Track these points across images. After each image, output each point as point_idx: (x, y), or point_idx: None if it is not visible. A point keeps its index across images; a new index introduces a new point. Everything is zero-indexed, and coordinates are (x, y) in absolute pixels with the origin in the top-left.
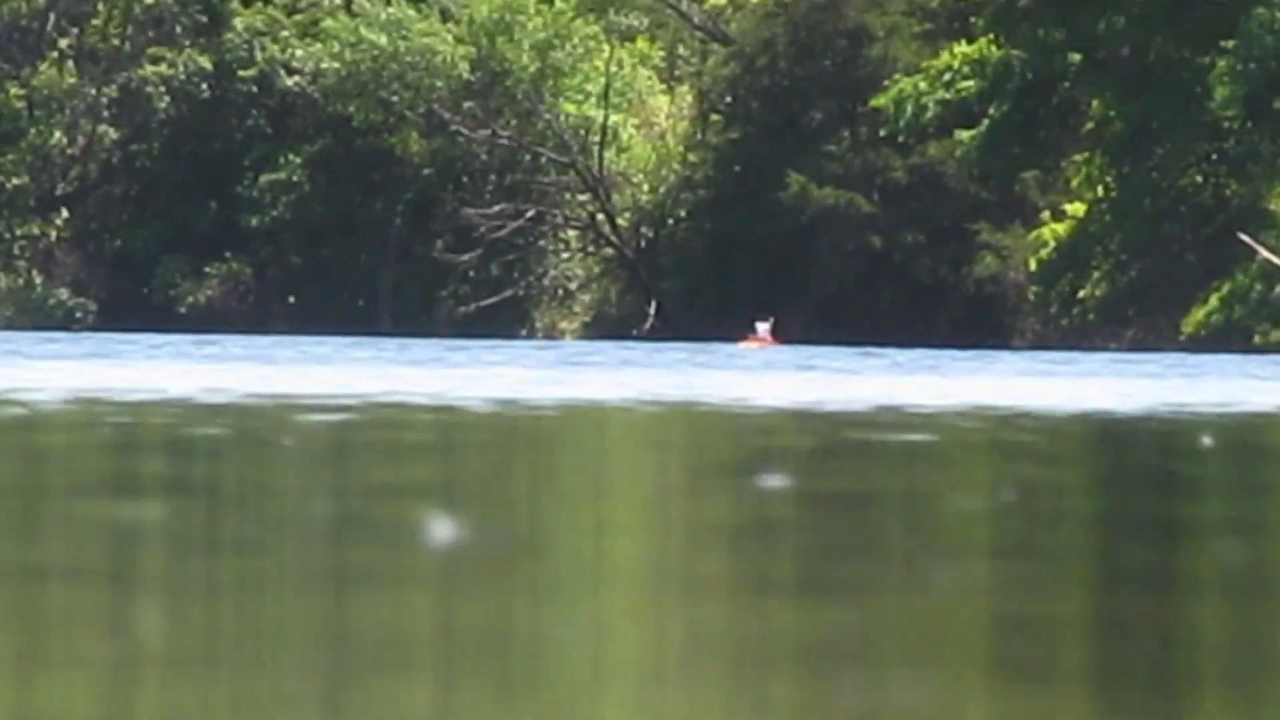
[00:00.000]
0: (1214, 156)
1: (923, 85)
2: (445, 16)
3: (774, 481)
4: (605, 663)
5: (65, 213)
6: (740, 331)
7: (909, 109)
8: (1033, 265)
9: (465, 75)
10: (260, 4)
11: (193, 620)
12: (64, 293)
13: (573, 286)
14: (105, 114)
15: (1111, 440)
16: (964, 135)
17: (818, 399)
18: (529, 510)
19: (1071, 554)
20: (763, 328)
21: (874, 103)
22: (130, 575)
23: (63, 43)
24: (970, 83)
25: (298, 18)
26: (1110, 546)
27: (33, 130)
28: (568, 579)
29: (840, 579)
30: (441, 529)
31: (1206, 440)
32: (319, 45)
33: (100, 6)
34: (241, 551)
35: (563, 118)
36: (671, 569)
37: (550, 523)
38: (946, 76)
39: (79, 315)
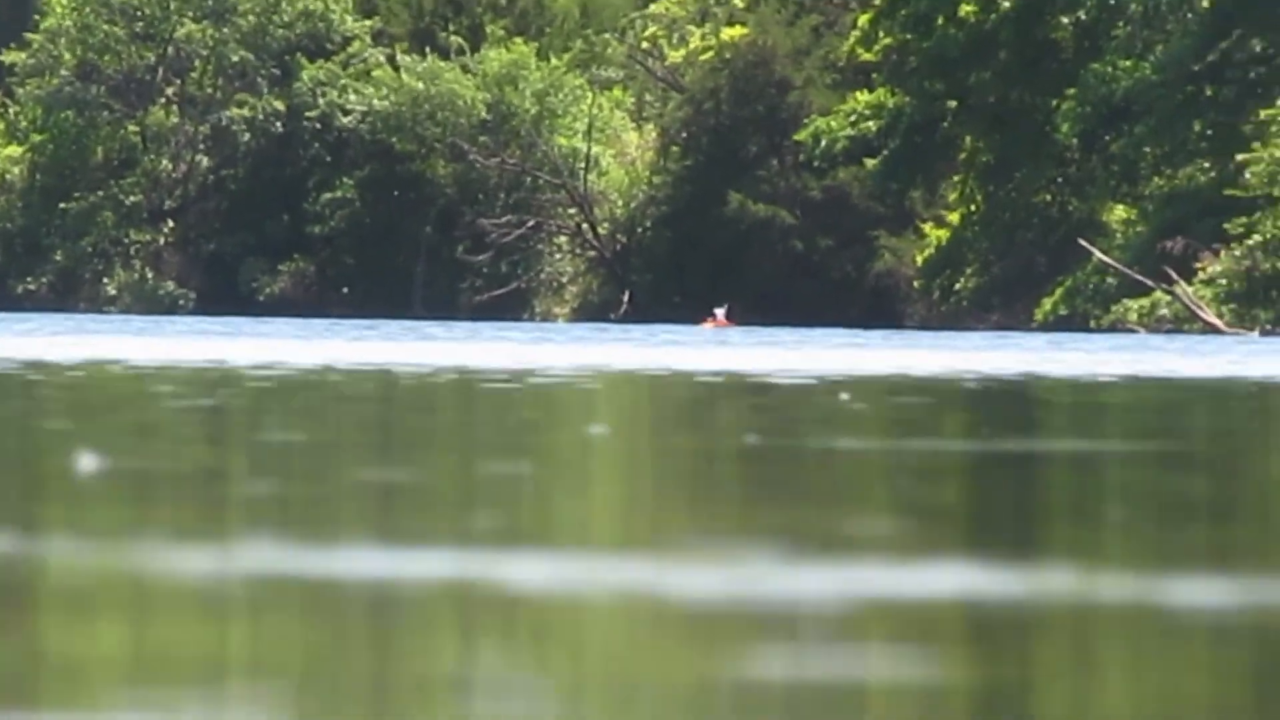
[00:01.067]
0: (1059, 180)
1: (834, 124)
2: (466, 69)
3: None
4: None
5: (171, 223)
6: (700, 315)
7: (823, 142)
8: (919, 263)
9: (482, 115)
10: (322, 60)
11: None
12: (170, 285)
13: (564, 280)
14: (201, 146)
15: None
16: (867, 163)
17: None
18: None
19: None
20: (720, 312)
21: (796, 137)
22: None
23: (169, 90)
24: (871, 123)
25: (351, 69)
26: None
27: (146, 159)
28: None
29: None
30: (87, 462)
31: (844, 395)
32: (369, 90)
33: (197, 63)
34: None
35: (556, 149)
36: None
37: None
38: (853, 117)
39: (181, 303)
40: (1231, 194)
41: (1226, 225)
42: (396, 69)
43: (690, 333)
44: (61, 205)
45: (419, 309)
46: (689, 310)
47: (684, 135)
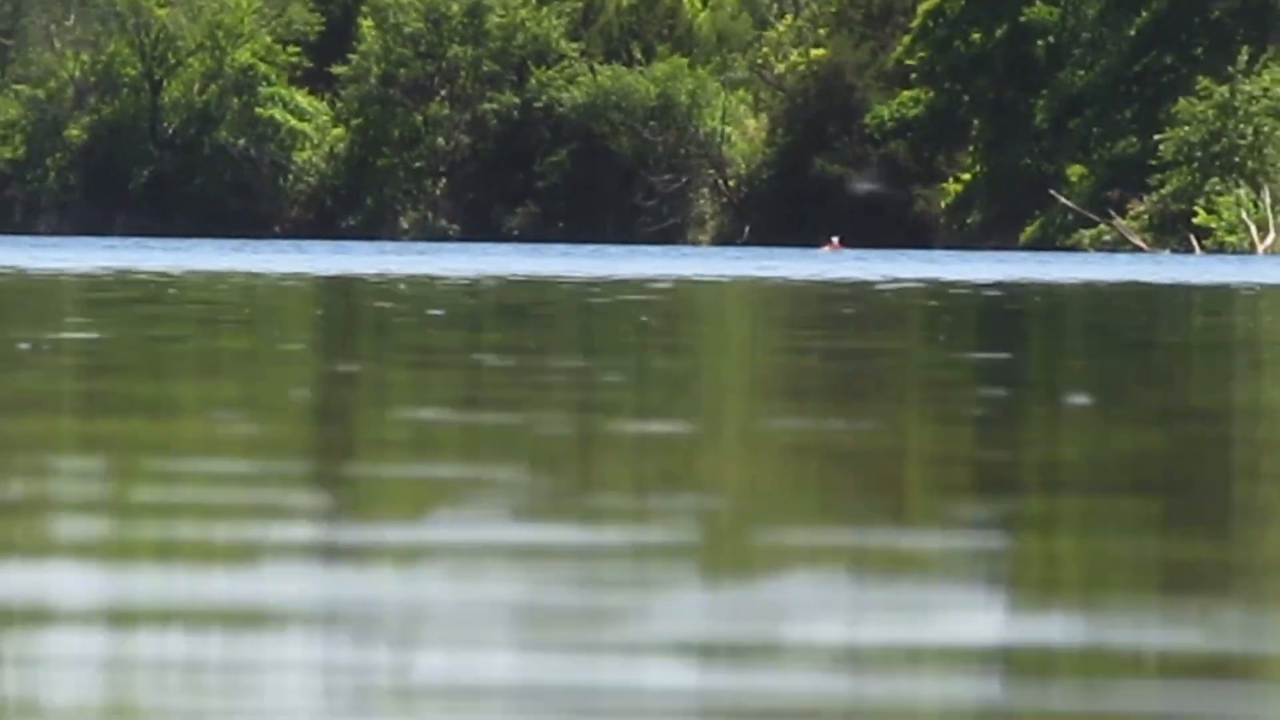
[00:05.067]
0: (1036, 150)
1: (886, 112)
2: (642, 74)
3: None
4: None
5: (443, 180)
6: (814, 241)
7: (878, 123)
8: (943, 206)
9: (651, 104)
10: (545, 68)
11: None
12: (443, 221)
13: (705, 218)
14: (463, 129)
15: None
16: (909, 139)
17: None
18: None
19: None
20: (835, 240)
21: (865, 120)
22: None
23: (441, 92)
24: (911, 110)
25: (564, 74)
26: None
27: (427, 137)
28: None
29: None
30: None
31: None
32: (576, 90)
33: (461, 72)
34: None
35: (701, 129)
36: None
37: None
38: (898, 107)
39: (450, 234)
40: (1151, 161)
41: (1148, 180)
42: (595, 75)
43: (821, 254)
44: (371, 167)
45: (609, 238)
46: (787, 238)
47: (785, 120)
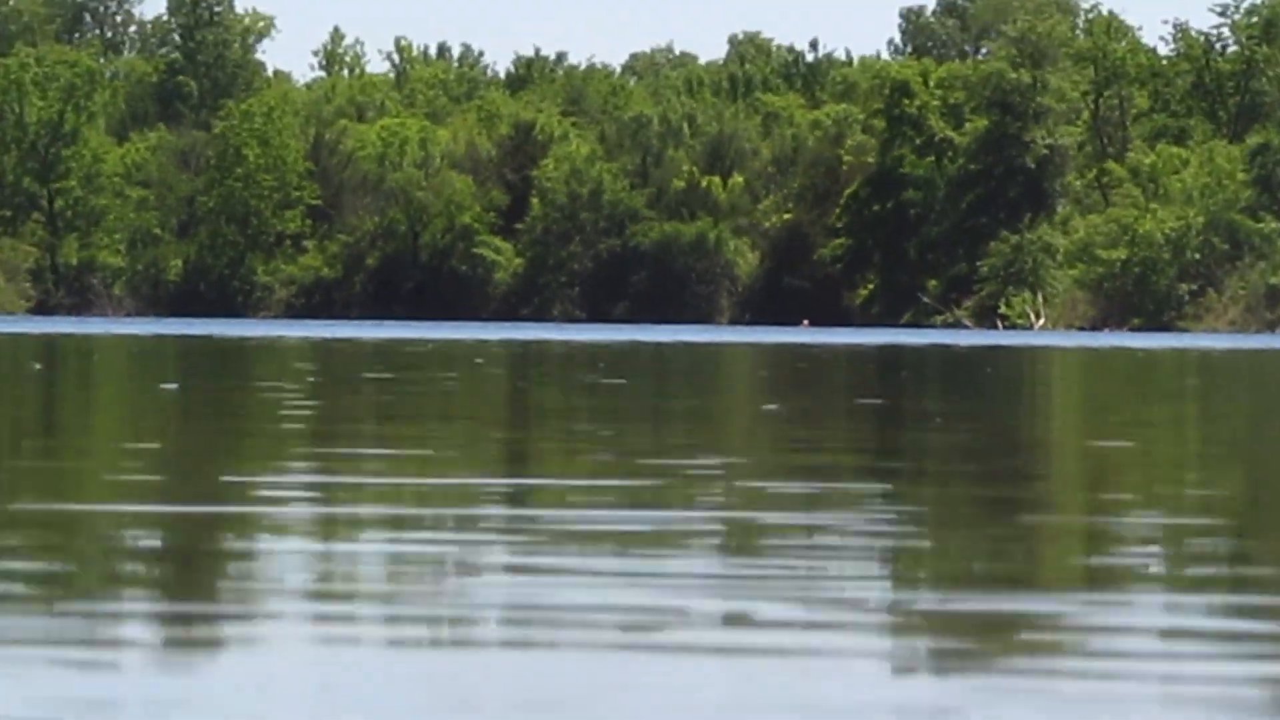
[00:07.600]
0: (909, 272)
1: (826, 251)
2: (689, 227)
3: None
4: None
5: (577, 289)
6: (798, 320)
7: (822, 257)
8: (858, 302)
9: (693, 243)
10: (634, 223)
11: None
12: (578, 312)
13: (724, 309)
14: (588, 259)
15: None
16: (839, 265)
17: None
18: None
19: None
20: (806, 321)
21: (815, 256)
22: None
23: (576, 237)
24: (840, 250)
25: (646, 226)
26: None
27: (567, 264)
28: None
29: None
30: None
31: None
32: (651, 235)
33: (587, 226)
34: None
35: (722, 259)
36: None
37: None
38: (834, 248)
39: (580, 318)
40: (975, 277)
41: (975, 288)
42: (662, 227)
43: (800, 330)
44: (536, 281)
45: (671, 320)
46: (772, 319)
47: (769, 255)
